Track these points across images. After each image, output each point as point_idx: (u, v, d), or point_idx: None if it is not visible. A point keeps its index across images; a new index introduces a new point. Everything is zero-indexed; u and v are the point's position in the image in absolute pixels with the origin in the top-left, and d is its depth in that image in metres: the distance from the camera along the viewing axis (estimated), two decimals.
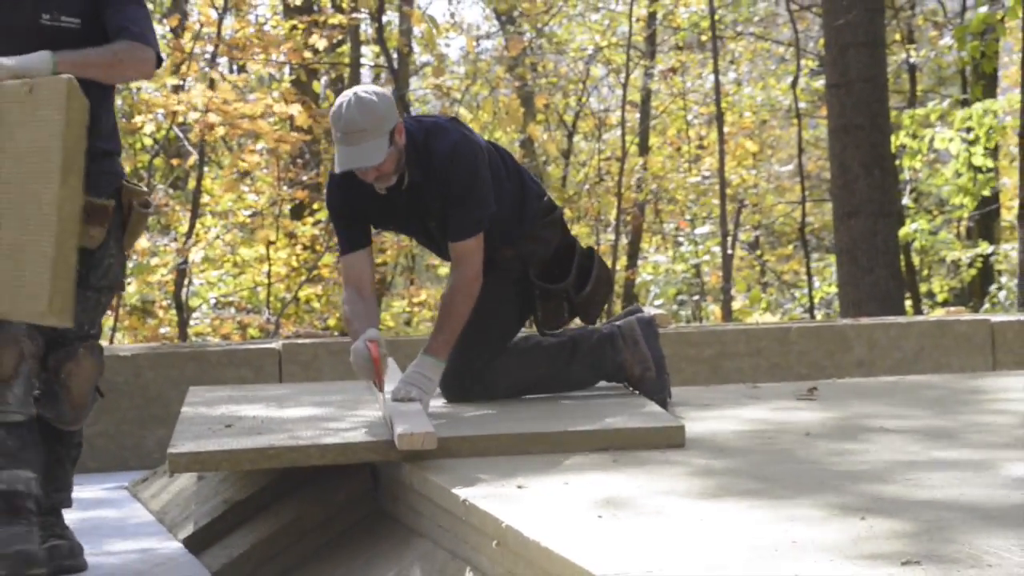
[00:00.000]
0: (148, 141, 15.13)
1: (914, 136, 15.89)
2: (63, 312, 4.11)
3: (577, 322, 5.69)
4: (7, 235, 4.14)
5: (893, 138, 15.54)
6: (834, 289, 16.89)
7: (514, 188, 5.46)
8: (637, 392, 5.50)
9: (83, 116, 4.20)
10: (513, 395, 5.45)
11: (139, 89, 14.50)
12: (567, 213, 19.59)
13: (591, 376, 5.55)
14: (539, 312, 5.53)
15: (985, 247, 17.54)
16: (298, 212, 16.13)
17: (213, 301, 15.55)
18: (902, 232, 15.97)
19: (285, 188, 14.43)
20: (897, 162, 17.62)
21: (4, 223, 4.15)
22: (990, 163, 15.67)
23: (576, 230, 17.40)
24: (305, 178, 15.16)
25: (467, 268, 5.15)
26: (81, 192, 4.17)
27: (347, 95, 5.01)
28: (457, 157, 5.11)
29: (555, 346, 5.51)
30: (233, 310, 15.78)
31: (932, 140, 15.67)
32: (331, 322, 15.45)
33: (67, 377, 4.66)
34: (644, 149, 19.42)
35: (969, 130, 15.42)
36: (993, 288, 17.39)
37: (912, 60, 19.14)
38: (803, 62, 18.64)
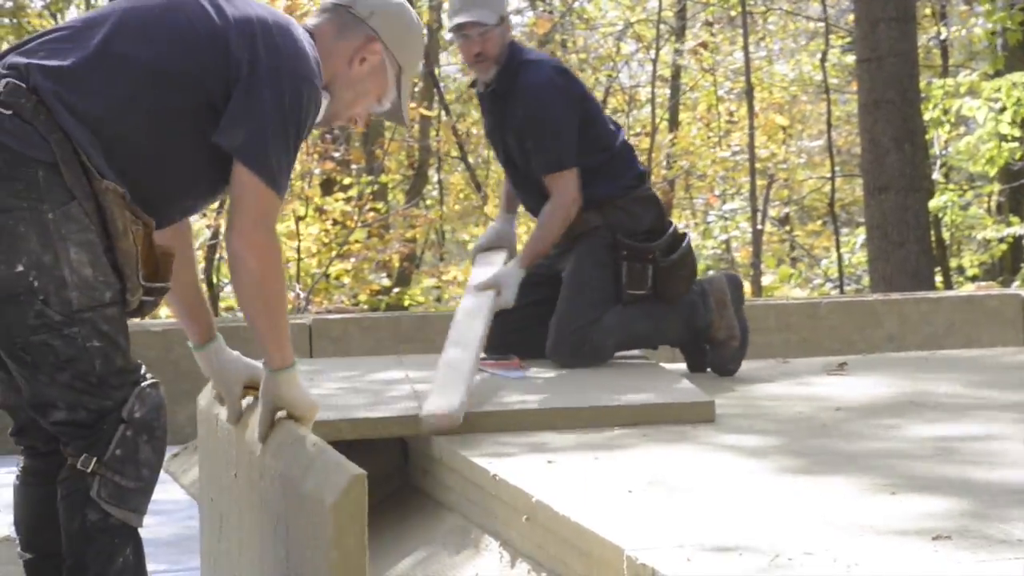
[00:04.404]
0: None
1: (945, 111, 15.81)
2: None
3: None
4: None
5: (923, 109, 15.50)
6: (862, 261, 16.85)
7: (607, 150, 5.58)
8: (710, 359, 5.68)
9: None
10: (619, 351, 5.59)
11: None
12: None
13: (684, 332, 5.65)
14: (624, 273, 5.55)
15: (1017, 223, 17.46)
16: (328, 187, 16.10)
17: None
18: (932, 204, 15.92)
19: (316, 162, 14.37)
20: (927, 135, 17.54)
21: None
22: (1016, 132, 15.59)
23: None
24: (336, 153, 15.12)
25: (562, 194, 5.41)
26: None
27: None
28: (536, 99, 5.41)
29: (651, 301, 5.57)
30: None
31: (959, 109, 15.60)
32: (361, 297, 15.44)
33: None
34: (674, 125, 19.39)
35: (998, 100, 15.35)
36: None
37: (943, 35, 19.05)
38: (832, 37, 18.57)
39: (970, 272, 19.02)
